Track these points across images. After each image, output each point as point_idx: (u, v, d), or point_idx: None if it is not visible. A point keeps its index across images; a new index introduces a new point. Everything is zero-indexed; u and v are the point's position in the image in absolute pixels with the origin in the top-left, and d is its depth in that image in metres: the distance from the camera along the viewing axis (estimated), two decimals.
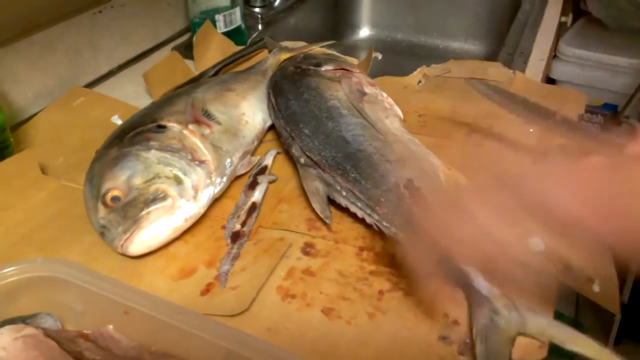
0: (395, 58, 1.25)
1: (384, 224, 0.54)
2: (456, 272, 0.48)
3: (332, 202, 0.59)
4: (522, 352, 0.44)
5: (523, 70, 0.88)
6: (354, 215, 0.57)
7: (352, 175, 0.57)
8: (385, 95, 0.70)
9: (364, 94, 0.68)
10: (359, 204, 0.56)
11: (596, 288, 0.49)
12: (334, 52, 0.93)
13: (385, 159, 0.57)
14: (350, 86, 0.68)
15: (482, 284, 0.47)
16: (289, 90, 0.70)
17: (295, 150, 0.64)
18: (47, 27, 0.84)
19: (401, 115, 0.69)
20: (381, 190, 0.55)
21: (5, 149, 0.66)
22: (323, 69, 0.73)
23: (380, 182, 0.55)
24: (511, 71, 0.85)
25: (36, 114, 0.80)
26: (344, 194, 0.57)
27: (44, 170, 0.67)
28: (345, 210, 0.58)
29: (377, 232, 0.56)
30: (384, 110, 0.66)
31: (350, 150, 0.59)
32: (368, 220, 0.56)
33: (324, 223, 0.58)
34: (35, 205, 0.62)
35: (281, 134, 0.67)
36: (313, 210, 0.60)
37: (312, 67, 0.73)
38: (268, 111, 0.73)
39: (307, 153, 0.61)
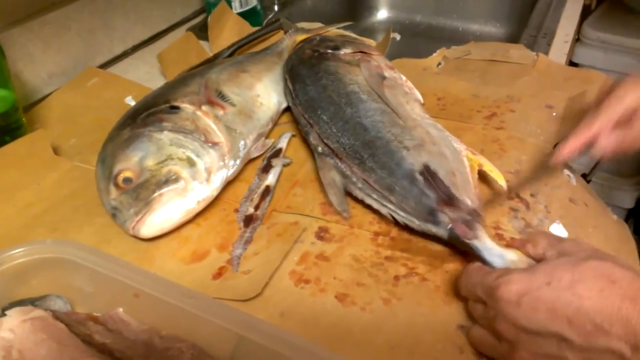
0: (414, 40, 1.23)
1: (398, 212, 0.53)
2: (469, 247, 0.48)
3: (348, 192, 0.58)
4: None
5: (546, 53, 0.85)
6: (369, 206, 0.56)
7: (369, 164, 0.55)
8: (404, 78, 0.68)
9: (383, 77, 0.66)
10: (374, 195, 0.55)
11: None
12: (351, 34, 0.91)
13: (402, 145, 0.56)
14: (369, 70, 0.66)
15: (493, 254, 0.46)
16: (307, 76, 0.67)
17: (313, 139, 0.62)
18: (61, 7, 0.83)
19: (421, 99, 0.67)
20: (395, 178, 0.53)
21: (18, 129, 0.66)
22: (342, 52, 0.71)
23: (395, 170, 0.54)
24: (534, 53, 0.82)
25: (49, 94, 0.79)
26: (360, 185, 0.56)
27: (56, 151, 0.66)
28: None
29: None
30: (404, 94, 0.64)
31: (369, 137, 0.57)
32: (383, 211, 0.54)
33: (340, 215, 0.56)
34: (47, 186, 0.62)
35: (299, 121, 0.66)
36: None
37: (330, 51, 0.71)
38: (286, 97, 0.71)
39: (324, 140, 0.60)
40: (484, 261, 0.46)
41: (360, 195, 0.56)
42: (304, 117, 0.64)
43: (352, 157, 0.57)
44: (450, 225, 0.49)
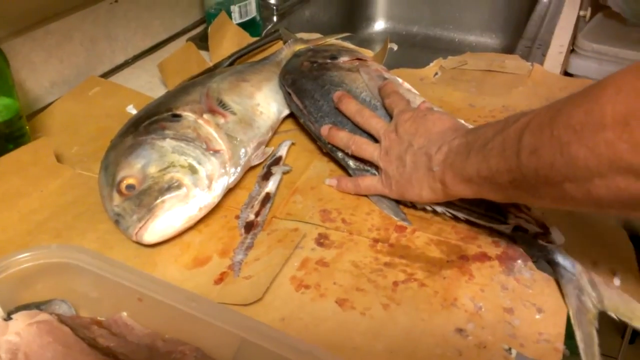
0: (411, 51, 1.24)
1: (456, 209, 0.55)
2: (541, 249, 0.51)
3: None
4: (539, 354, 0.43)
5: (541, 63, 0.86)
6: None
7: None
8: (401, 80, 0.69)
9: (384, 79, 0.67)
10: None
11: (617, 281, 0.49)
12: (349, 45, 0.93)
13: None
14: (369, 74, 0.67)
15: (567, 259, 0.49)
16: (314, 90, 0.67)
17: (341, 156, 0.62)
18: (64, 17, 0.84)
19: (419, 95, 0.68)
20: None
21: (21, 137, 0.67)
22: (340, 60, 0.71)
23: None
24: (529, 64, 0.83)
25: (52, 102, 0.80)
26: None
27: (59, 159, 0.67)
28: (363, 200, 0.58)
29: (391, 224, 0.56)
30: (407, 93, 0.65)
31: None
32: (438, 209, 0.56)
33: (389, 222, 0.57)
34: (51, 193, 0.63)
35: (319, 139, 0.65)
36: (327, 201, 0.60)
37: (329, 60, 0.72)
38: (294, 112, 0.71)
39: (355, 155, 0.61)
40: (556, 265, 0.49)
41: None
42: None
43: None
44: (515, 224, 0.52)
